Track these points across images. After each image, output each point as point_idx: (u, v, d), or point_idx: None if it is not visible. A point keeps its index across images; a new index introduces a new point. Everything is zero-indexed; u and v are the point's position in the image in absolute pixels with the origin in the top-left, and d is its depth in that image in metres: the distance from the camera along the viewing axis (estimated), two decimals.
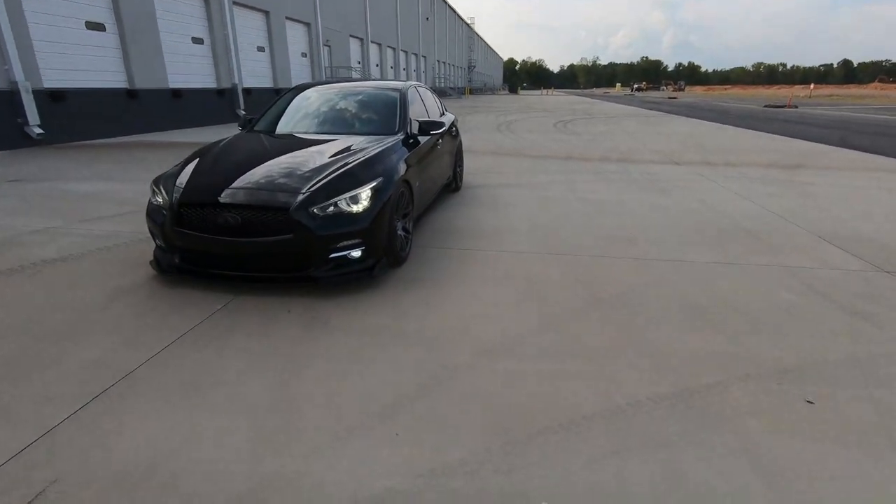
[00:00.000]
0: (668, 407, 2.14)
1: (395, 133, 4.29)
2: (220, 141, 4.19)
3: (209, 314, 2.98)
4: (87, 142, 11.44)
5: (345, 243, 3.18)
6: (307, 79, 23.35)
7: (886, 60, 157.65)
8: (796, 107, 31.22)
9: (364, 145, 3.87)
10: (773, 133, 14.68)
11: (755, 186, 6.88)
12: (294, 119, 4.68)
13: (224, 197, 3.15)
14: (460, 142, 6.72)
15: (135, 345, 2.63)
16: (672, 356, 2.54)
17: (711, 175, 7.75)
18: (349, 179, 3.31)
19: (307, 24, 22.81)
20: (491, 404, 2.16)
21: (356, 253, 3.24)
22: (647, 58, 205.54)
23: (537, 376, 2.37)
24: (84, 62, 11.75)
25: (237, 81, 17.44)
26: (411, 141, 4.31)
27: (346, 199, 3.19)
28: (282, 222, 3.06)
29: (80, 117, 11.48)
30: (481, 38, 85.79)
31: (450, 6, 55.86)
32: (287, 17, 20.85)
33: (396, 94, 4.76)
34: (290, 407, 2.14)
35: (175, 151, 10.07)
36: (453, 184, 6.29)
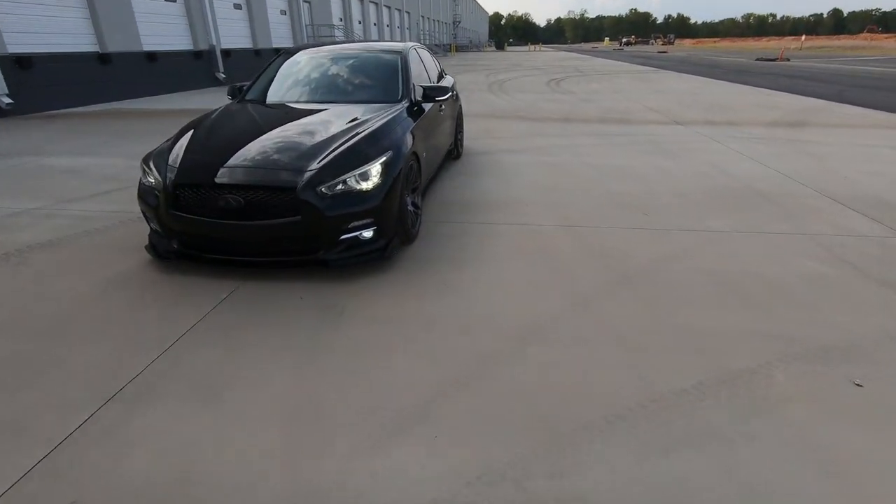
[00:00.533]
0: (712, 394, 2.06)
1: (399, 101, 4.02)
2: (210, 113, 3.89)
3: (215, 304, 2.81)
4: (60, 111, 10.84)
5: (356, 223, 2.99)
6: (288, 38, 22.30)
7: (876, 9, 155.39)
8: (788, 59, 30.73)
9: (368, 115, 3.61)
10: (770, 88, 14.42)
11: (762, 147, 6.72)
12: (288, 87, 4.36)
13: (223, 177, 2.92)
14: (460, 106, 6.43)
15: (139, 343, 2.46)
16: (709, 337, 2.45)
17: (716, 135, 7.56)
18: (357, 155, 3.08)
19: None
20: (529, 397, 2.06)
21: (368, 233, 3.06)
22: (635, 10, 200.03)
23: (573, 364, 2.26)
24: (51, 24, 10.99)
25: (215, 42, 16.57)
26: (416, 109, 4.05)
27: (355, 176, 2.98)
28: (288, 203, 2.85)
29: (50, 85, 10.84)
30: None
31: None
32: None
33: (396, 58, 4.45)
34: (318, 408, 2.01)
35: (155, 120, 9.58)
36: (455, 151, 6.04)
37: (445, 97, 4.23)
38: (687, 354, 2.32)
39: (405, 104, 3.96)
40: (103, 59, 12.26)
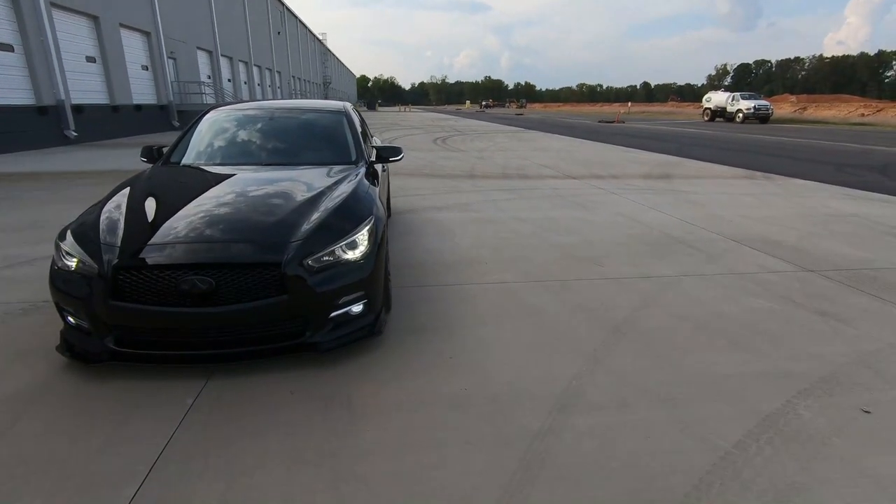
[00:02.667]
0: (766, 442, 2.10)
1: (354, 162, 3.78)
2: (136, 178, 3.27)
3: (182, 414, 2.23)
4: None
5: (346, 298, 2.65)
6: (151, 94, 20.53)
7: (674, 83, 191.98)
8: (623, 122, 36.26)
9: (331, 179, 3.32)
10: (625, 146, 16.68)
11: (650, 197, 7.60)
12: (222, 148, 3.86)
13: (183, 255, 2.41)
14: (388, 172, 6.31)
15: (100, 489, 1.82)
16: (724, 382, 2.54)
17: (608, 188, 8.41)
18: (341, 221, 2.78)
19: (146, 33, 20.08)
20: (610, 474, 1.90)
21: (357, 307, 2.73)
22: (489, 77, 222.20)
23: (630, 432, 2.16)
24: None
25: (63, 97, 14.54)
26: (371, 171, 3.85)
27: (342, 245, 2.67)
28: (272, 281, 2.43)
29: None
30: (334, 55, 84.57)
31: (300, 21, 54.04)
32: (122, 24, 18.11)
33: (341, 117, 4.23)
34: None
35: None
36: (387, 212, 5.85)
37: (399, 157, 4.09)
38: (718, 403, 2.37)
39: (363, 166, 3.73)
40: None
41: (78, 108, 15.24)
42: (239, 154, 3.82)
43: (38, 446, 2.03)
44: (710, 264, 4.42)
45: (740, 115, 33.88)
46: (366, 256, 2.74)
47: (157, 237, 2.50)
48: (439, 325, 3.17)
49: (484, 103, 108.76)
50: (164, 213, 2.74)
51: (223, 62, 28.77)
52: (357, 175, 3.46)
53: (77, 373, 2.53)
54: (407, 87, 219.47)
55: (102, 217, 2.67)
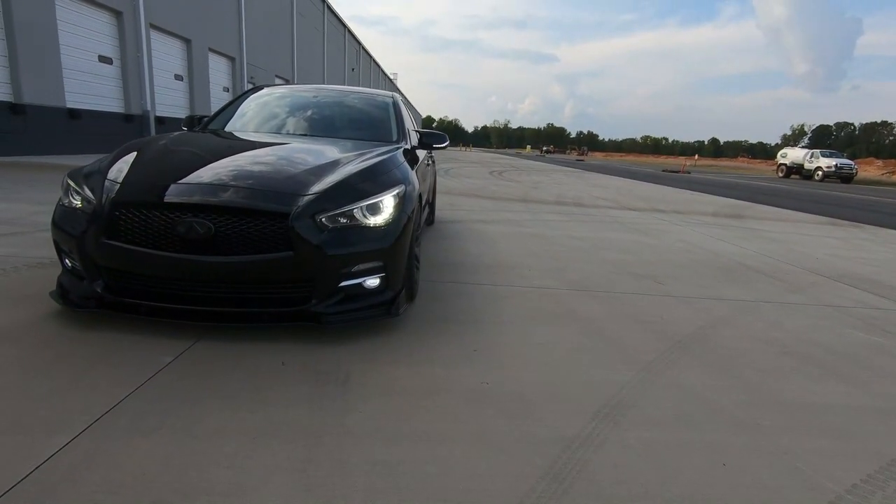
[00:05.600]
0: (880, 484, 1.51)
1: (394, 142, 3.53)
2: (165, 135, 3.15)
3: (155, 371, 1.93)
4: None
5: (360, 267, 2.31)
6: None
7: (745, 140, 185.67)
8: (689, 172, 34.83)
9: (365, 149, 3.06)
10: (690, 190, 15.80)
11: (718, 231, 6.90)
12: (262, 119, 3.73)
13: (185, 194, 2.17)
14: (435, 171, 6.08)
15: (33, 426, 1.53)
16: (829, 415, 1.96)
17: (671, 220, 7.76)
18: (366, 182, 2.48)
19: (231, 58, 21.62)
20: (654, 502, 1.39)
21: (373, 281, 2.38)
22: (552, 124, 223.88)
23: (702, 454, 1.64)
24: None
25: (149, 108, 15.69)
26: (411, 154, 3.57)
27: (363, 207, 2.35)
28: (277, 233, 2.14)
29: None
30: (403, 94, 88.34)
31: (375, 61, 57.01)
32: (210, 49, 19.58)
33: (388, 100, 4.03)
34: None
35: None
36: (429, 217, 5.56)
37: (444, 144, 3.80)
38: (820, 438, 1.79)
39: (402, 145, 3.47)
40: (16, 109, 10.98)
41: (160, 119, 16.36)
42: (275, 126, 3.66)
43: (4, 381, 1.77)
44: (795, 294, 3.76)
45: (819, 172, 31.59)
46: (389, 224, 2.41)
47: (162, 178, 2.29)
48: (467, 319, 2.75)
49: (545, 148, 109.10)
50: (179, 162, 2.55)
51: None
52: (393, 149, 3.19)
53: (64, 317, 2.31)
54: (469, 129, 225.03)
55: (118, 159, 2.51)
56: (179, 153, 2.66)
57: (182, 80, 18.20)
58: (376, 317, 2.40)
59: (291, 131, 3.57)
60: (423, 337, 2.45)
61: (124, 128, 14.90)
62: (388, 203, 2.43)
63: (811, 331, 2.93)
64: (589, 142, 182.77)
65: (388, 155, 3.05)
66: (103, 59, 14.04)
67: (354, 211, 2.32)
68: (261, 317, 2.22)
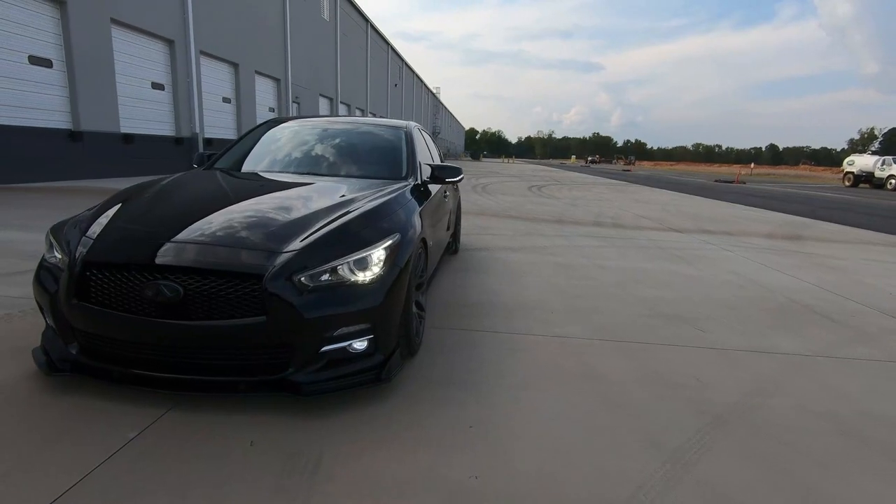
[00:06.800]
0: None
1: (403, 178, 3.33)
2: (160, 178, 3.08)
3: (111, 452, 1.77)
4: (23, 185, 9.93)
5: (345, 330, 2.10)
6: None
7: (807, 146, 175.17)
8: (744, 182, 32.90)
9: (366, 190, 2.88)
10: (743, 205, 14.81)
11: (776, 258, 6.28)
12: (269, 156, 3.64)
13: (153, 256, 2.03)
14: (459, 197, 5.86)
15: None
16: None
17: (719, 244, 7.17)
18: (352, 235, 2.28)
19: (276, 80, 22.35)
20: None
21: (360, 344, 2.16)
22: (598, 133, 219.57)
23: None
24: (26, 99, 10.47)
25: (198, 131, 16.37)
26: (422, 190, 3.36)
27: (349, 262, 2.14)
28: (250, 297, 1.96)
29: (13, 158, 10.04)
30: (445, 107, 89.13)
31: (417, 75, 57.83)
32: (257, 72, 20.32)
33: (401, 132, 3.85)
34: None
35: None
36: (453, 245, 5.33)
37: (458, 178, 3.57)
38: None
39: (411, 182, 3.26)
40: (74, 136, 11.66)
41: (208, 141, 17.05)
42: (281, 162, 3.55)
43: None
44: (862, 345, 3.25)
45: (893, 181, 29.10)
46: (378, 280, 2.19)
47: (137, 235, 2.18)
48: (471, 382, 2.48)
49: (590, 158, 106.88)
50: (159, 213, 2.44)
51: (341, 108, 31.18)
52: (396, 189, 2.99)
53: (45, 380, 2.22)
54: (513, 140, 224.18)
55: (103, 211, 2.43)
56: (162, 205, 2.55)
57: (230, 102, 18.95)
58: (364, 383, 2.18)
59: (294, 170, 3.45)
60: (416, 407, 2.20)
61: (174, 150, 15.59)
62: (377, 256, 2.22)
63: (882, 400, 2.47)
64: (637, 151, 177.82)
65: (393, 195, 2.86)
66: (156, 86, 14.78)
67: (339, 267, 2.12)
68: (236, 386, 2.04)
